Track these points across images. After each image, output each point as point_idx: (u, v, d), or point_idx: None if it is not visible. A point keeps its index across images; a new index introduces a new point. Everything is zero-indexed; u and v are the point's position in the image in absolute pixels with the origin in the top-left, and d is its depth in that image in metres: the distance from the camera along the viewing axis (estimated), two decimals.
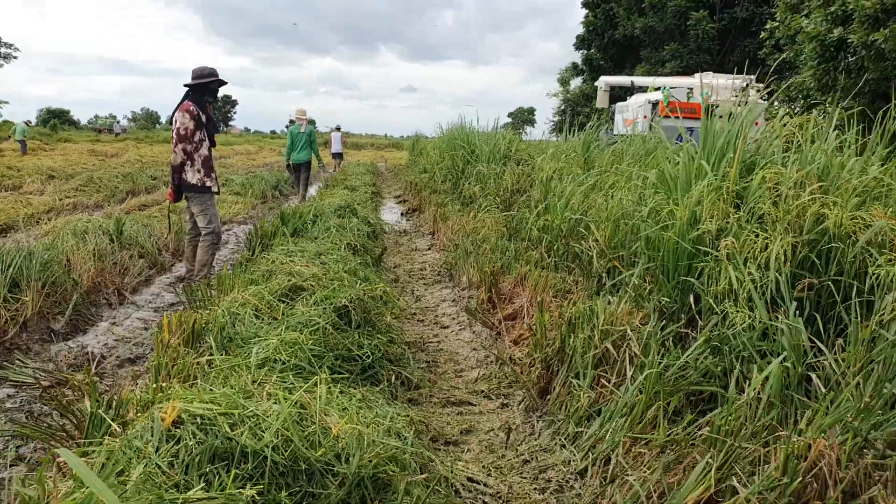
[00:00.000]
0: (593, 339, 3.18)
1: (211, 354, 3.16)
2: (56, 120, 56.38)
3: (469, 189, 9.29)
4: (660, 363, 2.84)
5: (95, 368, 4.12)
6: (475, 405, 3.62)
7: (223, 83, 5.97)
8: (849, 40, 10.64)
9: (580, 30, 33.44)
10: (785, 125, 3.94)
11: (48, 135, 39.34)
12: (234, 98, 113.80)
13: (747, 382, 2.71)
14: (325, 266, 4.09)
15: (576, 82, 38.23)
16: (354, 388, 3.16)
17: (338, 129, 25.15)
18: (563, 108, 38.48)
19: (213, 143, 6.07)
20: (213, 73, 5.86)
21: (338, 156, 23.69)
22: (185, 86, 5.84)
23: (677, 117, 10.75)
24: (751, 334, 2.83)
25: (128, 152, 27.25)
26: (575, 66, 37.20)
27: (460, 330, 5.04)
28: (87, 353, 4.32)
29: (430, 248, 8.47)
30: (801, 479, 1.88)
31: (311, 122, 13.61)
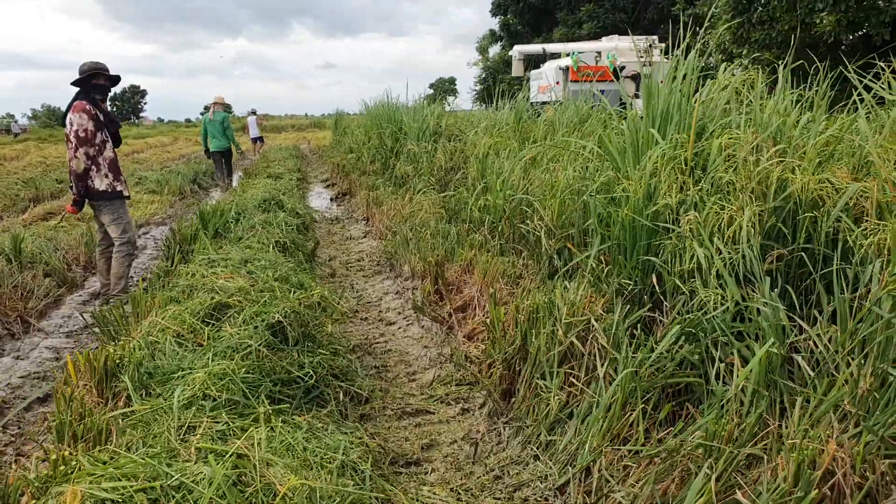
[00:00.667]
0: (556, 333, 2.93)
1: (129, 398, 2.73)
2: None
3: (401, 169, 8.90)
4: (632, 357, 2.62)
5: None
6: (434, 413, 3.33)
7: (115, 80, 5.35)
8: None
9: None
10: (728, 84, 3.75)
11: None
12: (142, 88, 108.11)
13: (728, 369, 2.52)
14: (253, 276, 3.66)
15: (495, 49, 37.93)
16: (299, 416, 2.81)
17: (253, 112, 24.30)
18: (483, 76, 38.15)
19: (117, 143, 5.46)
20: (95, 67, 5.21)
21: (257, 140, 22.92)
22: (73, 84, 5.20)
23: (588, 81, 11.18)
24: (724, 316, 2.63)
25: (29, 154, 25.18)
26: (493, 32, 36.86)
27: (408, 325, 4.72)
28: None
29: (365, 236, 8.07)
30: (817, 490, 1.68)
31: (227, 108, 12.81)
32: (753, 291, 2.66)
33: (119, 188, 5.33)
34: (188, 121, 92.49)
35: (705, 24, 4.23)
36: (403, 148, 9.47)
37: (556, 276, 3.81)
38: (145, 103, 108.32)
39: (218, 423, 2.48)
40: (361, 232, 8.35)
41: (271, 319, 3.15)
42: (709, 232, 2.91)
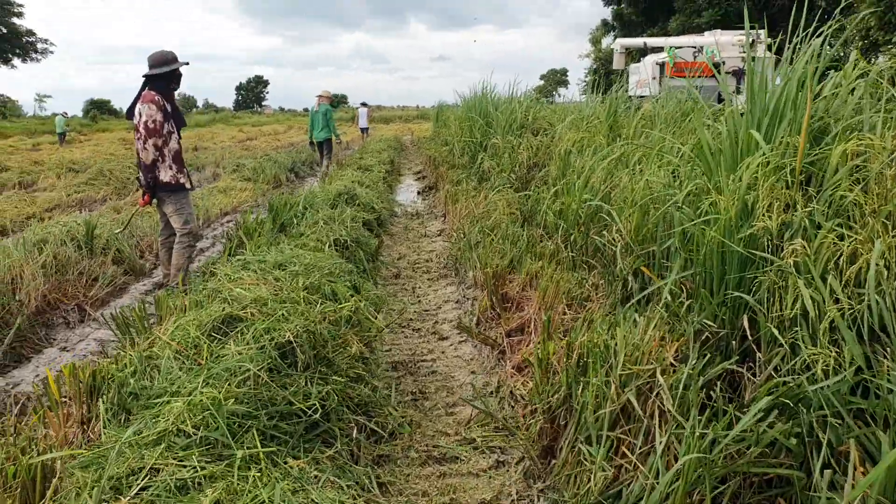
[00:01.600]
0: (610, 387, 2.32)
1: (110, 422, 2.43)
2: (96, 110, 57.14)
3: (485, 164, 8.39)
4: (703, 432, 1.98)
5: (18, 412, 3.46)
6: (463, 461, 2.81)
7: (185, 64, 5.23)
8: None
9: None
10: (865, 73, 2.94)
11: (88, 125, 39.85)
12: (265, 79, 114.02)
13: (841, 462, 1.84)
14: (279, 283, 3.30)
15: (607, 40, 36.35)
16: (296, 458, 2.40)
17: (364, 104, 25.94)
18: (595, 67, 36.71)
19: (179, 135, 5.36)
20: (175, 57, 5.12)
21: (364, 130, 24.55)
22: (146, 76, 5.09)
23: (684, 77, 10.94)
24: (839, 386, 1.94)
25: None
26: (605, 22, 35.36)
27: (461, 343, 4.22)
28: (13, 394, 3.66)
29: (439, 234, 7.63)
30: None
31: (332, 102, 13.10)
32: (884, 356, 1.95)
33: (182, 180, 5.23)
34: (305, 110, 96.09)
35: (842, 4, 3.41)
36: (490, 142, 8.95)
37: (628, 305, 3.17)
38: (267, 93, 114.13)
39: (185, 467, 2.11)
40: (437, 230, 7.92)
41: (281, 338, 2.75)
42: (821, 268, 2.20)
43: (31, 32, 43.63)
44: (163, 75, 5.08)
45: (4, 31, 41.77)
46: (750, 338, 2.41)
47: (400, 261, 6.51)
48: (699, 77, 11.00)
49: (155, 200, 5.26)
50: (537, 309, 3.61)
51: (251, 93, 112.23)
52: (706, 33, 14.52)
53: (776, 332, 2.24)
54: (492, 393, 3.35)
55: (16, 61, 43.66)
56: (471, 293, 5.02)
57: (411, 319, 4.77)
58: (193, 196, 10.25)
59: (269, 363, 2.65)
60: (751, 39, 11.43)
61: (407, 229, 8.16)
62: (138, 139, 5.03)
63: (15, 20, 42.43)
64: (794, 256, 2.25)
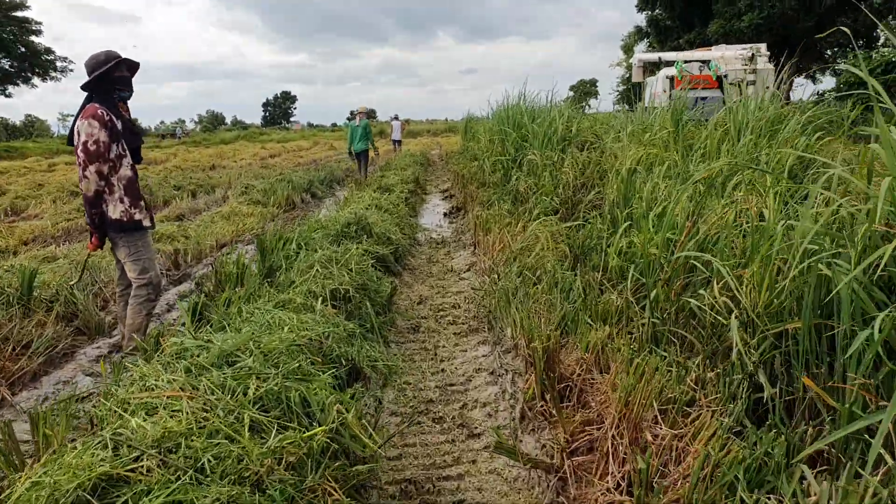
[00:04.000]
0: None
1: None
2: None
3: (520, 183, 7.19)
4: None
5: None
6: None
7: (135, 67, 4.12)
8: None
9: None
10: None
11: None
12: (293, 94, 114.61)
13: None
14: (215, 396, 2.13)
15: (640, 47, 34.92)
16: None
17: (396, 117, 25.94)
18: (627, 76, 35.27)
19: (137, 159, 4.23)
20: (111, 56, 3.98)
21: (397, 143, 24.55)
22: (84, 87, 3.98)
23: (693, 89, 11.80)
24: None
25: (176, 157, 26.43)
26: (639, 29, 33.88)
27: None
28: None
29: (469, 269, 6.42)
30: None
31: (369, 115, 13.30)
32: None
33: (137, 217, 4.06)
34: (334, 125, 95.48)
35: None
36: (526, 157, 7.76)
37: (769, 423, 1.94)
38: (295, 108, 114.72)
39: None
40: (466, 262, 6.72)
41: None
42: None
43: (49, 51, 43.26)
44: (101, 82, 3.96)
45: (23, 49, 41.67)
46: None
47: (420, 305, 5.34)
48: (705, 89, 11.87)
49: (108, 243, 4.15)
50: (616, 419, 2.39)
51: (278, 109, 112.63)
52: (713, 48, 15.38)
53: None
54: None
55: (35, 80, 43.63)
56: (510, 362, 3.82)
57: (431, 401, 3.58)
58: (192, 224, 9.22)
59: None
60: (751, 53, 11.99)
61: (430, 261, 6.98)
62: (79, 166, 3.92)
63: (33, 38, 42.33)
64: None
